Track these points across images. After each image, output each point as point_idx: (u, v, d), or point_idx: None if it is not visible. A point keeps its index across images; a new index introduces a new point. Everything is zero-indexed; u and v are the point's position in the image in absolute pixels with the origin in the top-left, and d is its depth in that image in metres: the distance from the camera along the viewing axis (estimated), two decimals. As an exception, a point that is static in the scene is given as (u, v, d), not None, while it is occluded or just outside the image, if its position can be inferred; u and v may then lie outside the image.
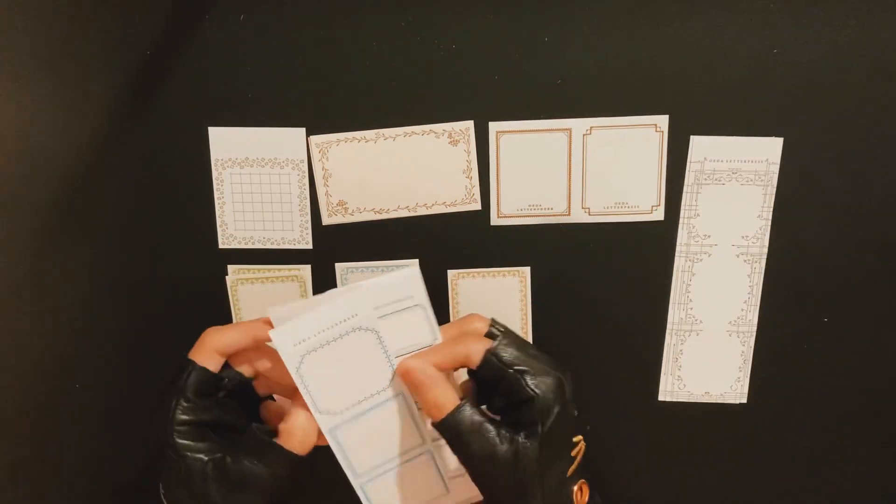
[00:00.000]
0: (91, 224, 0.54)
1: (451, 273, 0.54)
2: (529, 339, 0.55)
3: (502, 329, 0.43)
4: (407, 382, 0.41)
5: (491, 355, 0.41)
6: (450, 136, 0.52)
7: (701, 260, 0.53)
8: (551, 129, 0.52)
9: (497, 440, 0.40)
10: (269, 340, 0.42)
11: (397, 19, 0.50)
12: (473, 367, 0.41)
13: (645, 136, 0.52)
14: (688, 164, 0.52)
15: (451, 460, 0.45)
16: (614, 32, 0.50)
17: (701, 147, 0.52)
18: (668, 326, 0.54)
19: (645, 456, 0.57)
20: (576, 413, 0.42)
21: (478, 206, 0.53)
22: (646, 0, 0.50)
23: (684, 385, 0.55)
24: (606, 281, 0.54)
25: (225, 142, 0.53)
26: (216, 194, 0.54)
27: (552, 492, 0.41)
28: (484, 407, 0.42)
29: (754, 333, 0.54)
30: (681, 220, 0.53)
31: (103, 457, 0.57)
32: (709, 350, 0.55)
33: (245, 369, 0.43)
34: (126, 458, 0.57)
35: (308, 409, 0.41)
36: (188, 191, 0.53)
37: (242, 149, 0.53)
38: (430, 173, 0.53)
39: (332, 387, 0.42)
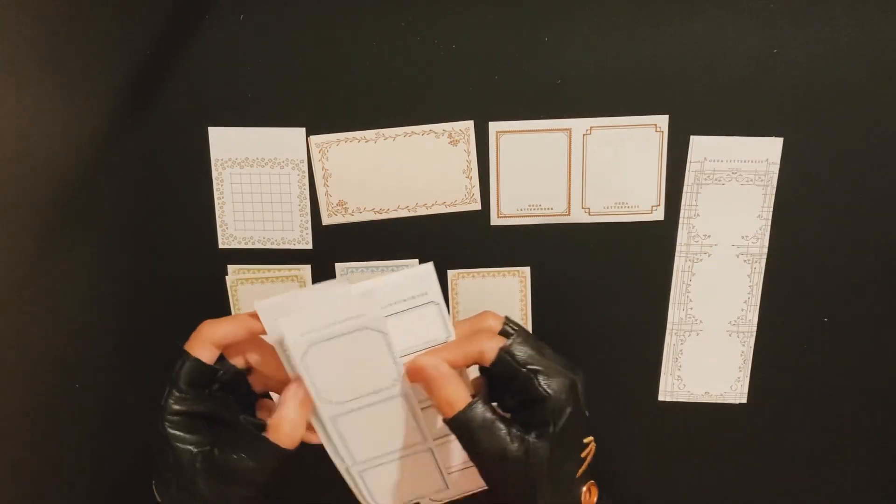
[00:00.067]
0: (91, 224, 0.54)
1: (451, 273, 0.54)
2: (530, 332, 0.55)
3: (516, 327, 0.43)
4: (419, 379, 0.41)
5: (505, 353, 0.41)
6: (450, 136, 0.52)
7: (701, 260, 0.53)
8: (551, 129, 0.52)
9: (508, 439, 0.40)
10: (264, 332, 0.42)
11: (397, 19, 0.50)
12: (487, 364, 0.41)
13: (645, 136, 0.52)
14: (688, 164, 0.52)
15: (452, 458, 0.45)
16: (614, 32, 0.50)
17: (701, 147, 0.52)
18: (668, 326, 0.54)
19: (645, 456, 0.57)
20: (587, 414, 0.42)
21: (478, 206, 0.53)
22: (646, 0, 0.50)
23: (684, 385, 0.55)
24: (606, 281, 0.54)
25: (225, 142, 0.53)
26: (216, 194, 0.54)
27: (561, 492, 0.41)
28: (495, 405, 0.42)
29: (754, 333, 0.54)
30: (681, 220, 0.53)
31: (103, 457, 0.57)
32: (709, 350, 0.55)
33: (239, 361, 0.44)
34: (126, 458, 0.57)
35: (296, 403, 0.41)
36: (188, 191, 0.53)
37: (242, 149, 0.53)
38: (430, 173, 0.53)
39: (335, 379, 0.42)
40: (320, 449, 0.43)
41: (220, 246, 0.54)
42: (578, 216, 0.53)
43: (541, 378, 0.40)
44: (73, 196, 0.53)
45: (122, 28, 0.51)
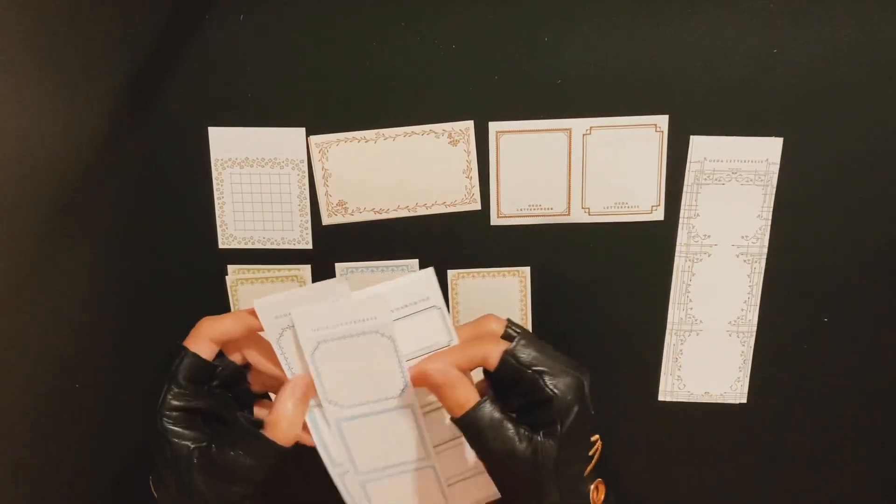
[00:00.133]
0: (91, 224, 0.54)
1: (451, 273, 0.54)
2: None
3: (519, 330, 0.43)
4: (426, 385, 0.41)
5: (509, 356, 0.41)
6: (450, 136, 0.52)
7: (701, 260, 0.53)
8: (551, 129, 0.52)
9: (516, 438, 0.40)
10: (262, 329, 0.42)
11: (397, 19, 0.50)
12: (491, 368, 0.41)
13: (645, 136, 0.52)
14: (688, 164, 0.52)
15: (453, 467, 0.45)
16: (614, 32, 0.50)
17: (701, 147, 0.52)
18: (668, 326, 0.54)
19: (645, 456, 0.57)
20: (593, 412, 0.42)
21: (478, 206, 0.53)
22: (646, 0, 0.50)
23: (684, 385, 0.55)
24: (606, 281, 0.54)
25: (225, 142, 0.53)
26: (216, 194, 0.54)
27: (569, 490, 0.41)
28: (513, 413, 0.42)
29: (754, 333, 0.54)
30: (681, 220, 0.53)
31: (103, 457, 0.57)
32: (709, 350, 0.55)
33: (238, 358, 0.44)
34: (126, 458, 0.57)
35: (293, 401, 0.41)
36: (188, 191, 0.53)
37: (242, 149, 0.53)
38: (430, 173, 0.53)
39: (342, 380, 0.42)
40: (316, 450, 0.43)
41: (220, 246, 0.54)
42: (578, 216, 0.53)
43: (546, 379, 0.40)
44: (73, 196, 0.53)
45: (122, 28, 0.51)
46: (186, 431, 0.41)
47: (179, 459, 0.40)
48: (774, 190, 0.52)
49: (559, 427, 0.40)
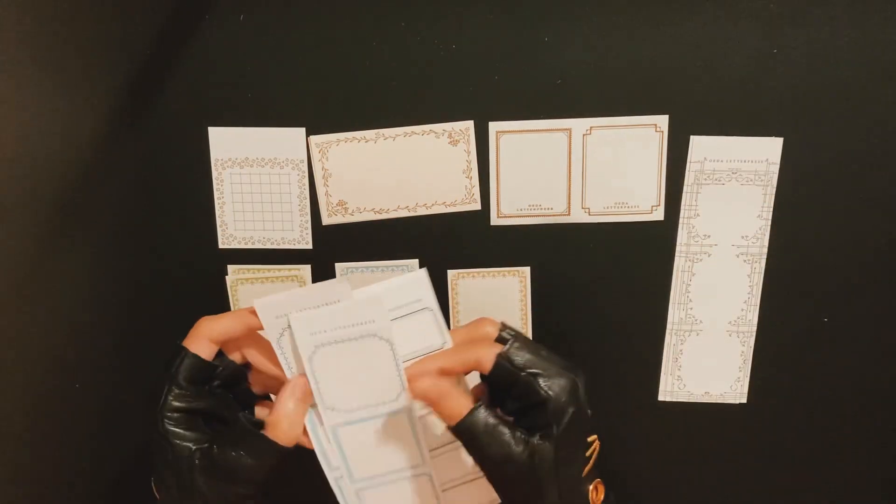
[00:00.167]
0: (91, 224, 0.54)
1: (451, 273, 0.54)
2: (527, 336, 0.55)
3: (513, 333, 0.43)
4: (418, 398, 0.41)
5: (503, 360, 0.41)
6: (450, 136, 0.52)
7: (701, 260, 0.53)
8: (551, 129, 0.52)
9: (512, 441, 0.40)
10: (262, 328, 0.42)
11: (397, 19, 0.50)
12: (485, 372, 0.41)
13: (645, 136, 0.52)
14: (688, 164, 0.52)
15: (449, 472, 0.45)
16: (614, 32, 0.50)
17: (701, 147, 0.52)
18: (668, 326, 0.54)
19: (645, 456, 0.57)
20: (590, 413, 0.42)
21: (478, 206, 0.53)
22: (646, 0, 0.50)
23: (684, 385, 0.55)
24: (606, 281, 0.54)
25: (225, 142, 0.53)
26: (216, 194, 0.54)
27: (568, 491, 0.41)
28: (498, 410, 0.42)
29: (754, 333, 0.54)
30: (681, 220, 0.53)
31: (103, 457, 0.57)
32: (709, 350, 0.55)
33: (237, 357, 0.44)
34: (126, 458, 0.57)
35: (294, 401, 0.41)
36: (188, 191, 0.53)
37: (242, 149, 0.53)
38: (430, 173, 0.53)
39: (340, 384, 0.42)
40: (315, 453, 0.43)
41: (220, 246, 0.54)
42: (578, 216, 0.53)
43: (541, 381, 0.40)
44: (73, 196, 0.53)
45: (122, 28, 0.51)
46: (187, 432, 0.41)
47: (181, 460, 0.40)
48: (774, 190, 0.52)
49: (555, 429, 0.40)
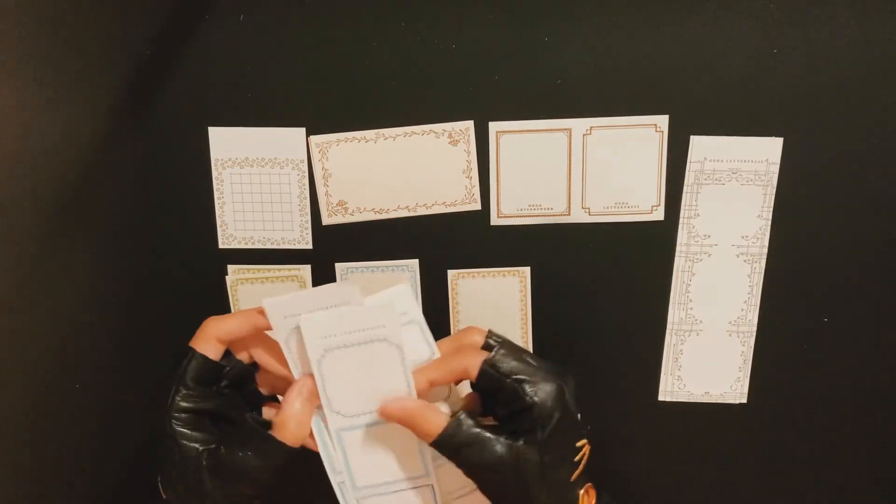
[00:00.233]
0: (91, 224, 0.54)
1: (451, 273, 0.54)
2: (529, 339, 0.55)
3: (499, 339, 0.43)
4: (392, 420, 0.42)
5: (488, 366, 0.41)
6: (450, 136, 0.52)
7: (701, 260, 0.53)
8: (551, 129, 0.52)
9: (497, 447, 0.40)
10: (269, 329, 0.42)
11: (397, 19, 0.50)
12: (472, 379, 0.42)
13: (645, 136, 0.52)
14: (688, 164, 0.52)
15: (451, 486, 0.45)
16: (614, 32, 0.50)
17: (701, 147, 0.52)
18: (668, 326, 0.54)
19: (645, 456, 0.57)
20: (579, 417, 0.42)
21: (478, 206, 0.53)
22: (646, 0, 0.50)
23: (684, 385, 0.55)
24: (606, 281, 0.54)
25: (225, 142, 0.53)
26: (216, 194, 0.54)
27: (557, 497, 0.41)
28: (490, 418, 0.42)
29: (754, 333, 0.54)
30: (681, 220, 0.53)
31: (103, 457, 0.57)
32: (709, 350, 0.55)
33: (244, 357, 0.44)
34: (126, 458, 0.57)
35: (301, 401, 0.41)
36: (188, 191, 0.53)
37: (242, 149, 0.53)
38: (430, 173, 0.53)
39: (348, 389, 0.42)
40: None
41: (220, 246, 0.54)
42: (578, 216, 0.53)
43: (526, 387, 0.40)
44: (73, 196, 0.53)
45: (122, 28, 0.51)
46: (195, 433, 0.41)
47: (188, 461, 0.40)
48: (774, 190, 0.52)
49: (540, 433, 0.40)
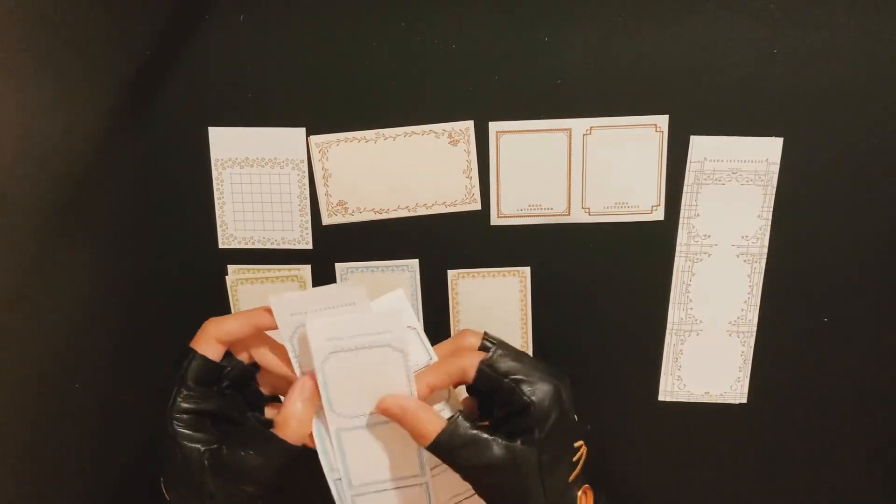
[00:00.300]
0: (91, 224, 0.54)
1: (451, 273, 0.54)
2: (529, 339, 0.55)
3: (496, 341, 0.44)
4: (389, 417, 0.42)
5: (485, 367, 0.41)
6: (450, 136, 0.52)
7: (701, 260, 0.53)
8: (551, 129, 0.52)
9: (494, 448, 0.40)
10: (270, 329, 0.42)
11: (397, 19, 0.50)
12: (469, 381, 0.42)
13: (645, 136, 0.52)
14: (688, 164, 0.52)
15: (446, 494, 0.45)
16: (614, 32, 0.50)
17: (701, 147, 0.52)
18: (668, 326, 0.54)
19: (645, 456, 0.57)
20: (576, 418, 0.42)
21: (478, 206, 0.53)
22: (646, 0, 0.50)
23: (684, 385, 0.55)
24: (606, 281, 0.54)
25: (225, 142, 0.53)
26: (216, 194, 0.54)
27: (554, 497, 0.41)
28: (487, 423, 0.42)
29: (754, 333, 0.54)
30: (681, 220, 0.53)
31: (103, 457, 0.57)
32: (709, 350, 0.55)
33: (245, 357, 0.44)
34: (126, 458, 0.57)
35: (303, 400, 0.41)
36: (188, 191, 0.53)
37: (242, 149, 0.53)
38: (430, 173, 0.53)
39: (349, 391, 0.42)
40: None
41: (220, 246, 0.54)
42: (578, 216, 0.53)
43: (523, 387, 0.40)
44: (73, 196, 0.53)
45: (122, 28, 0.51)
46: (197, 434, 0.41)
47: (190, 462, 0.40)
48: (774, 190, 0.52)
49: (537, 433, 0.40)
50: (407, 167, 0.53)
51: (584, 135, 0.52)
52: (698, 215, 0.53)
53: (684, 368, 0.55)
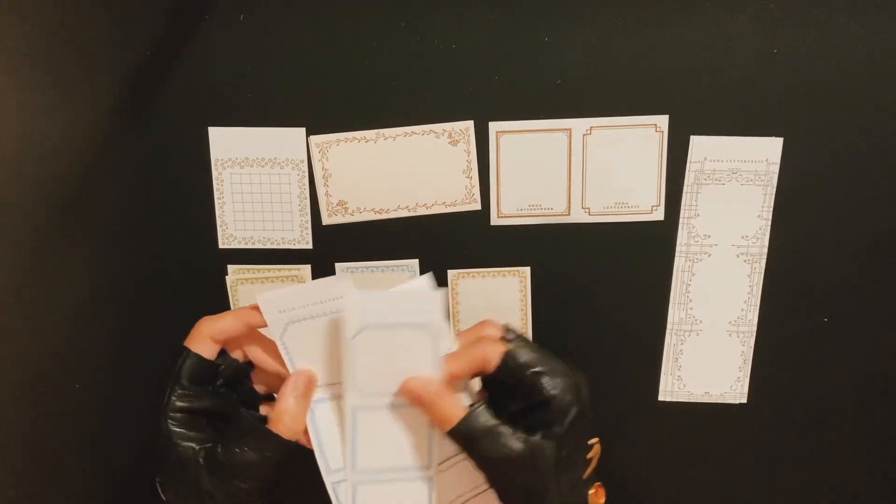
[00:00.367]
0: (91, 224, 0.54)
1: (451, 273, 0.54)
2: (529, 339, 0.55)
3: (515, 334, 0.43)
4: (412, 401, 0.41)
5: (508, 357, 0.41)
6: (450, 136, 0.52)
7: (701, 260, 0.53)
8: (551, 129, 0.52)
9: (512, 440, 0.39)
10: (262, 326, 0.42)
11: (397, 19, 0.50)
12: (491, 370, 0.41)
13: (645, 136, 0.52)
14: (688, 164, 0.52)
15: (450, 494, 0.45)
16: (614, 32, 0.50)
17: (701, 147, 0.52)
18: (668, 326, 0.54)
19: (645, 456, 0.57)
20: (591, 416, 0.42)
21: (478, 206, 0.53)
22: (646, 0, 0.50)
23: (684, 385, 0.55)
24: (606, 281, 0.54)
25: (225, 142, 0.53)
26: (216, 194, 0.54)
27: (569, 493, 0.41)
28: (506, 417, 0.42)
29: (754, 333, 0.54)
30: (681, 220, 0.53)
31: (103, 457, 0.57)
32: (709, 350, 0.55)
33: (239, 355, 0.44)
34: (126, 458, 0.57)
35: (296, 396, 0.42)
36: (188, 191, 0.53)
37: (242, 149, 0.53)
38: (430, 173, 0.53)
39: (376, 369, 0.41)
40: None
41: (220, 246, 0.54)
42: (578, 216, 0.53)
43: (545, 379, 0.40)
44: (73, 196, 0.53)
45: (122, 28, 0.51)
46: (191, 433, 0.41)
47: (185, 461, 0.40)
48: (774, 190, 0.52)
49: (557, 427, 0.40)
50: (407, 167, 0.53)
51: (584, 135, 0.52)
52: (698, 215, 0.53)
53: (684, 368, 0.55)
